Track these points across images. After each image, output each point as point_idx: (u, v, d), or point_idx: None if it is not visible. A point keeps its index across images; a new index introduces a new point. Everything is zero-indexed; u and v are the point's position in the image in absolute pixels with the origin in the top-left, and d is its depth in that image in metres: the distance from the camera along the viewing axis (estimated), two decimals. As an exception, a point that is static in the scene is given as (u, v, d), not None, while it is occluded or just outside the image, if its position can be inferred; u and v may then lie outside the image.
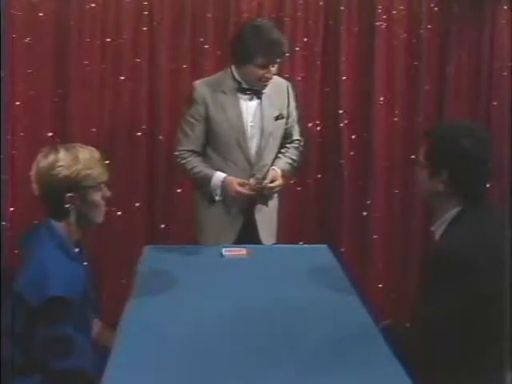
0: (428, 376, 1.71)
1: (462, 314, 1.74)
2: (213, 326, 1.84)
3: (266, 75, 2.64)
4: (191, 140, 2.73)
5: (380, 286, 3.65)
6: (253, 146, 2.73)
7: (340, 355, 1.70)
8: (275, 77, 2.84)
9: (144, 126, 3.44)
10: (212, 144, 2.74)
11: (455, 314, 1.75)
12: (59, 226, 1.89)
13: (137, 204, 3.46)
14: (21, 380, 1.77)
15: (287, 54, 2.72)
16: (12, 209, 3.31)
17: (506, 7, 3.56)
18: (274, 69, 2.66)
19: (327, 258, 2.55)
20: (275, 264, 2.45)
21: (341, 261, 2.53)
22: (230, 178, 2.65)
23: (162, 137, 3.45)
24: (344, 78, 3.54)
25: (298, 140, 2.90)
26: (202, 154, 2.75)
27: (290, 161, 2.83)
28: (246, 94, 2.71)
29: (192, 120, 2.72)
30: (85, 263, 1.98)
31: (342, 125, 3.57)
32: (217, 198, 2.70)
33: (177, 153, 2.75)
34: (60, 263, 1.81)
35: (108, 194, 1.94)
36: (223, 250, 2.56)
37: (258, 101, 2.73)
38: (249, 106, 2.72)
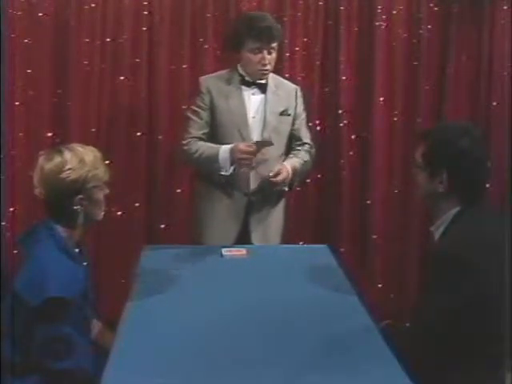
0: (428, 376, 1.70)
1: (462, 314, 1.74)
2: (212, 326, 1.84)
3: (262, 61, 2.65)
4: (197, 127, 2.73)
5: (380, 286, 3.65)
6: (254, 138, 2.72)
7: (339, 355, 1.69)
8: (284, 80, 2.87)
9: (144, 126, 3.44)
10: (214, 136, 2.74)
11: (455, 314, 1.75)
12: (59, 227, 1.89)
13: (137, 204, 3.46)
14: (20, 380, 1.77)
15: (280, 40, 2.73)
16: (12, 209, 3.31)
17: (505, 7, 3.56)
18: (270, 56, 2.67)
19: (327, 258, 2.55)
20: (275, 264, 2.45)
21: (341, 261, 2.52)
22: (238, 143, 2.61)
23: (162, 137, 3.45)
24: (344, 77, 3.54)
25: (308, 144, 2.89)
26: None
27: (301, 161, 2.81)
28: (249, 87, 2.73)
29: (197, 109, 2.74)
30: (84, 263, 1.98)
31: (341, 125, 3.57)
32: (227, 172, 2.63)
33: (184, 141, 2.73)
34: (60, 263, 1.81)
35: (107, 191, 1.97)
36: (223, 250, 2.55)
37: (263, 96, 2.74)
38: (252, 100, 2.74)
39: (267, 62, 2.66)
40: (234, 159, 2.60)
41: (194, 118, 2.75)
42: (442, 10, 3.59)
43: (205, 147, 2.69)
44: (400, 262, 3.69)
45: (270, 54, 2.66)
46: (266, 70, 2.69)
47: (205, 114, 2.73)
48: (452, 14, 3.58)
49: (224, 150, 2.63)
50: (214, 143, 2.72)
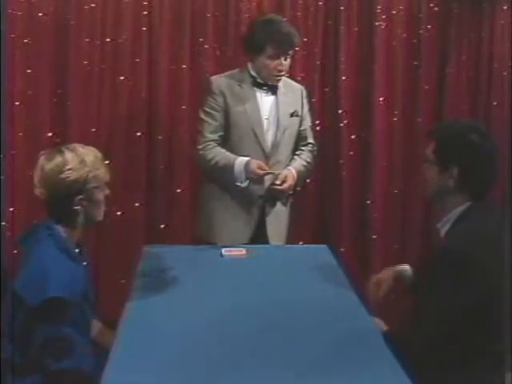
0: (428, 376, 1.70)
1: (467, 313, 1.74)
2: (212, 327, 1.84)
3: (279, 67, 2.67)
4: (212, 129, 2.73)
5: (380, 286, 3.64)
6: (268, 139, 2.74)
7: (339, 355, 1.69)
8: (290, 80, 2.88)
9: (144, 126, 3.44)
10: (227, 139, 2.75)
11: (459, 313, 1.74)
12: (59, 227, 1.89)
13: (137, 204, 3.46)
14: (20, 380, 1.77)
15: (297, 48, 2.76)
16: (12, 209, 3.30)
17: (505, 7, 3.57)
18: (286, 62, 2.69)
19: (327, 257, 2.55)
20: (275, 264, 2.45)
21: (341, 261, 2.52)
22: (252, 160, 2.65)
23: (162, 137, 3.45)
24: (344, 78, 3.55)
25: (311, 144, 2.92)
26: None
27: (304, 163, 2.84)
28: (261, 88, 2.74)
29: (212, 111, 2.73)
30: (84, 263, 1.98)
31: (341, 125, 3.57)
32: (243, 184, 2.67)
33: (200, 146, 2.73)
34: (60, 263, 1.81)
35: (108, 192, 1.97)
36: (223, 250, 2.56)
37: (274, 96, 2.76)
38: (264, 101, 2.75)
39: (283, 68, 2.69)
40: (248, 175, 2.64)
41: (207, 119, 2.73)
42: (441, 9, 3.59)
43: (221, 156, 2.70)
44: (400, 261, 3.67)
45: (286, 59, 2.68)
46: (282, 75, 2.72)
47: (219, 116, 2.72)
48: (452, 14, 3.58)
49: (239, 163, 2.65)
50: (228, 144, 2.73)
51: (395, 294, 2.18)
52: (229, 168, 2.66)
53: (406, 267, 2.22)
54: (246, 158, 2.66)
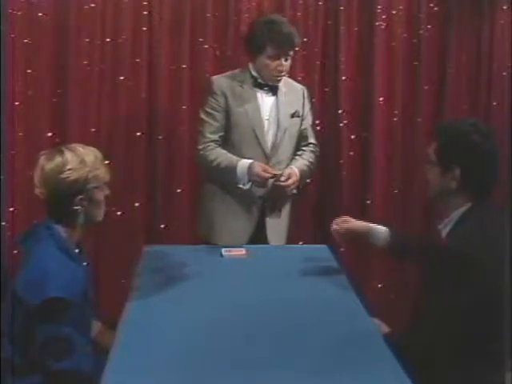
0: (428, 376, 1.70)
1: (467, 313, 1.74)
2: (212, 327, 1.84)
3: (279, 68, 2.68)
4: (213, 130, 2.73)
5: (380, 286, 3.65)
6: (269, 139, 2.75)
7: (339, 355, 1.69)
8: (291, 80, 2.88)
9: (144, 126, 3.44)
10: (228, 139, 2.74)
11: (461, 313, 1.74)
12: (59, 227, 1.89)
13: (136, 204, 3.45)
14: (20, 380, 1.78)
15: (297, 48, 2.77)
16: (12, 209, 3.30)
17: (505, 7, 3.56)
18: (286, 62, 2.69)
19: (327, 258, 2.55)
20: (275, 264, 2.45)
21: (340, 261, 2.52)
22: (256, 163, 2.64)
23: (162, 137, 3.45)
24: (344, 78, 3.54)
25: (313, 144, 2.92)
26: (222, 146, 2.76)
27: (307, 163, 2.84)
28: (262, 88, 2.74)
29: (213, 111, 2.73)
30: (84, 263, 1.98)
31: (341, 125, 3.57)
32: (244, 186, 2.66)
33: (201, 146, 2.73)
34: (60, 264, 1.81)
35: (108, 192, 1.97)
36: (222, 250, 2.56)
37: (274, 97, 2.76)
38: (265, 101, 2.76)
39: (284, 68, 2.69)
40: (251, 178, 2.63)
41: (208, 120, 2.73)
42: (441, 9, 3.59)
43: (223, 157, 2.70)
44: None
45: (286, 60, 2.69)
46: (282, 75, 2.72)
47: (220, 116, 2.72)
48: (452, 14, 3.58)
49: (242, 165, 2.65)
50: (228, 144, 2.73)
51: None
52: (231, 170, 2.66)
53: (383, 228, 2.27)
54: (249, 161, 2.65)
